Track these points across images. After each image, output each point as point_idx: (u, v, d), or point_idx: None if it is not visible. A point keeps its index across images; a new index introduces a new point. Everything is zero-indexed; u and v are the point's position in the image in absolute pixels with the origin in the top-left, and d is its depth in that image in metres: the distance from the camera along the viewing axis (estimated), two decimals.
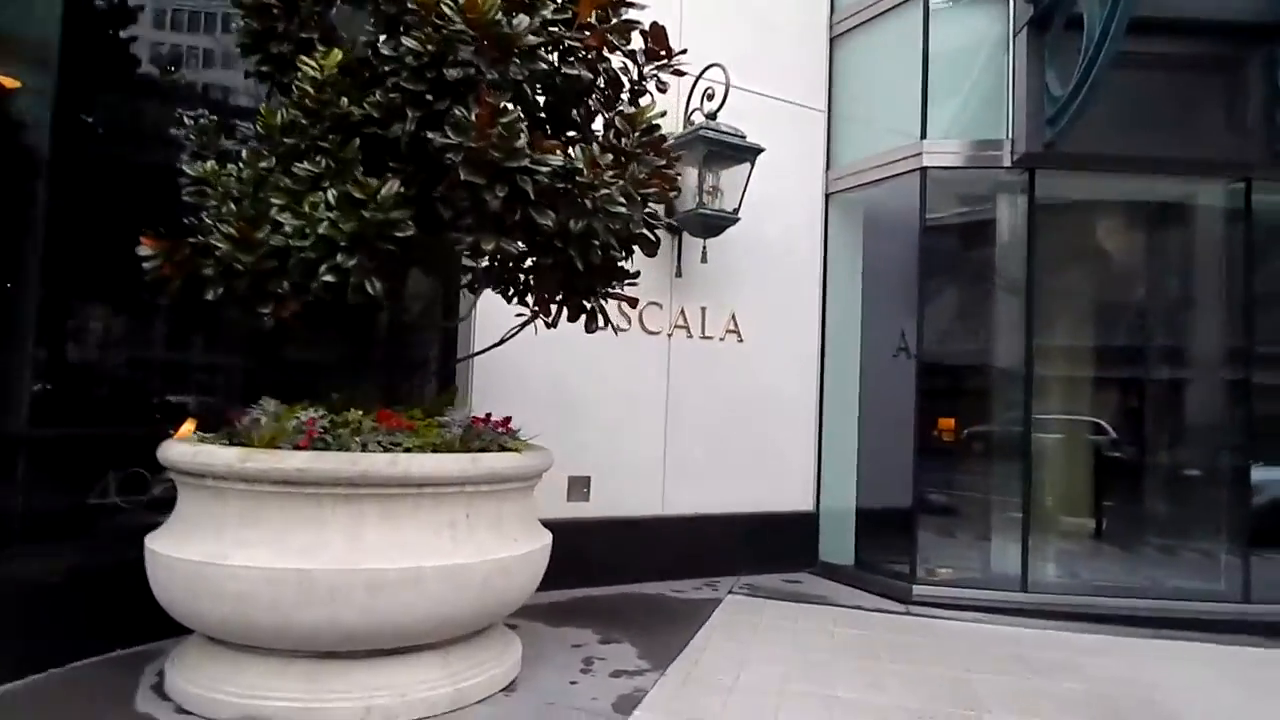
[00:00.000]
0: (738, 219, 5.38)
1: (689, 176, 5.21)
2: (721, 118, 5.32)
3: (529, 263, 3.33)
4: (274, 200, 2.88)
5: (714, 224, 5.29)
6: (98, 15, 4.01)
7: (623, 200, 2.84)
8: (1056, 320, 6.43)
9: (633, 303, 3.72)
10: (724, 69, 5.27)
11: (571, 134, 3.19)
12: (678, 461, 5.60)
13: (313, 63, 2.91)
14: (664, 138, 3.17)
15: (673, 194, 3.59)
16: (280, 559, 2.78)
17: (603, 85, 3.40)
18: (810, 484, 6.21)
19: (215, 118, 3.51)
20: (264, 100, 3.41)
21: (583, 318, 3.63)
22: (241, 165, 3.08)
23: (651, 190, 3.04)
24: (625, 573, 5.28)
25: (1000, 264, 5.79)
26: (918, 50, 5.62)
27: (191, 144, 3.47)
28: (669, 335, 5.61)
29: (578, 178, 2.74)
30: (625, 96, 3.42)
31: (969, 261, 6.31)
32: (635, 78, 3.48)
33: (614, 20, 3.10)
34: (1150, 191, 6.17)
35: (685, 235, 5.60)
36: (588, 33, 3.04)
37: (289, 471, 2.80)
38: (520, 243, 2.77)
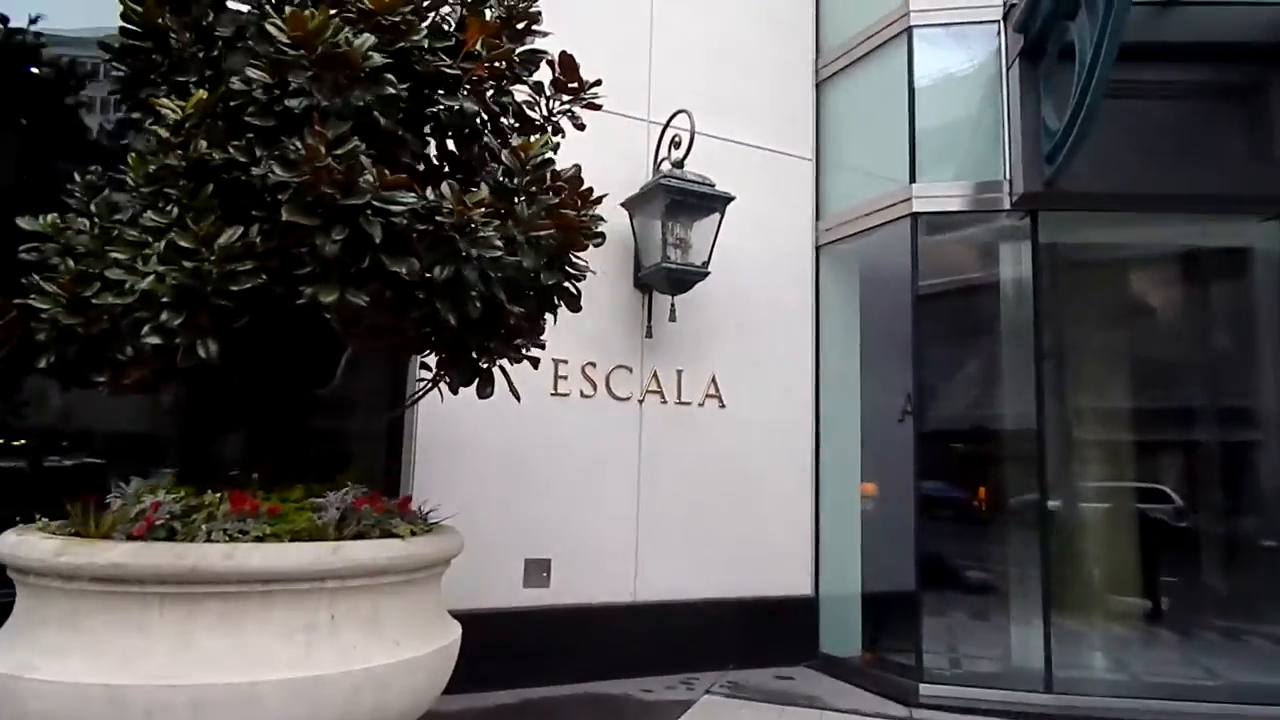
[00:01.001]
0: (707, 273, 4.95)
1: (653, 229, 4.83)
2: (701, 168, 4.96)
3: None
4: (115, 255, 2.55)
5: (681, 279, 4.87)
6: None
7: (499, 243, 2.44)
8: (1078, 378, 5.81)
9: (534, 363, 3.26)
10: (690, 115, 4.93)
11: (460, 176, 2.82)
12: (652, 541, 5.06)
13: (171, 104, 2.61)
14: (558, 174, 2.77)
15: (594, 241, 3.18)
16: (91, 672, 2.34)
17: (508, 122, 3.06)
18: (807, 565, 5.59)
19: (105, 173, 3.24)
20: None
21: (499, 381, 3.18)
22: (95, 219, 2.77)
23: (544, 234, 2.63)
24: (590, 668, 4.71)
25: (1006, 317, 5.23)
26: (904, 89, 5.21)
27: (77, 201, 3.19)
28: (640, 401, 5.14)
29: (439, 217, 2.35)
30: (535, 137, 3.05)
31: (972, 315, 5.76)
32: (546, 113, 3.13)
33: (505, 47, 2.76)
34: (1173, 233, 5.59)
35: (655, 293, 5.18)
36: (471, 63, 2.70)
37: (105, 567, 2.38)
38: (369, 295, 2.37)
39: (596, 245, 3.24)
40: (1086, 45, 4.10)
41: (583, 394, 4.95)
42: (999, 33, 5.08)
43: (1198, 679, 5.30)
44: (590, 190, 3.15)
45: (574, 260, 3.09)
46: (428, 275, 2.41)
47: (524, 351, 3.06)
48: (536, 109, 3.14)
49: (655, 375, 5.20)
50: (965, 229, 5.37)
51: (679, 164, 4.90)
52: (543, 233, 2.62)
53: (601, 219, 3.26)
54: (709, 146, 5.45)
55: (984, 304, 5.38)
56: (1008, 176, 4.91)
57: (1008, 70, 4.98)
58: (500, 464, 4.68)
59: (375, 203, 2.28)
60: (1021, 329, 4.99)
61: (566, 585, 4.76)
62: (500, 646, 4.51)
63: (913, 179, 5.10)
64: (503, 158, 2.62)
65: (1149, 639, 6.55)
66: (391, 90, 2.35)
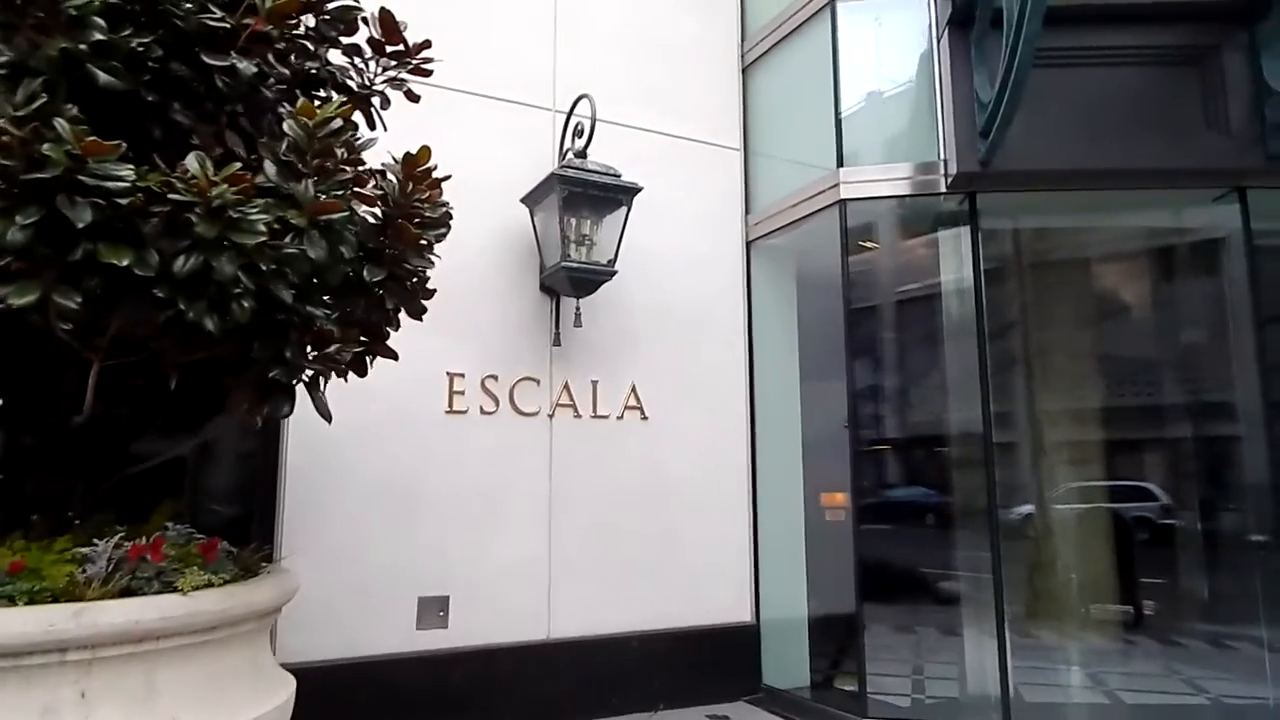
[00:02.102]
0: (613, 272, 4.49)
1: (553, 226, 4.36)
2: (622, 162, 4.53)
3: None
4: None
5: (584, 280, 4.41)
6: None
7: (263, 228, 1.96)
8: (1031, 374, 5.38)
9: (359, 371, 2.79)
10: (591, 100, 4.48)
11: (254, 156, 2.35)
12: (567, 572, 4.56)
13: None
14: (350, 144, 2.31)
15: (436, 233, 2.72)
16: None
17: (326, 94, 2.60)
18: (745, 589, 5.10)
19: None
20: None
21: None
22: None
23: (338, 217, 2.16)
24: (498, 716, 4.20)
25: (949, 312, 4.78)
26: (829, 68, 4.79)
27: None
28: (550, 416, 4.66)
29: (173, 195, 1.88)
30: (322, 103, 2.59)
31: (913, 312, 5.33)
32: (364, 82, 2.67)
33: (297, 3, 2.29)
34: (1129, 216, 5.17)
35: (565, 298, 4.72)
36: (251, 19, 2.23)
37: None
38: (84, 294, 1.88)
39: (438, 238, 2.78)
40: (1013, 6, 3.68)
41: (483, 410, 4.47)
42: (928, 1, 4.66)
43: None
44: (430, 171, 2.70)
45: (408, 256, 2.61)
46: (169, 269, 1.92)
47: (345, 364, 2.54)
48: (361, 75, 2.67)
49: (567, 387, 4.72)
50: (901, 217, 4.94)
51: (581, 153, 4.45)
52: (334, 215, 2.15)
53: (446, 206, 2.81)
54: (628, 138, 5.03)
55: (924, 300, 4.95)
56: (943, 156, 4.49)
57: (938, 41, 4.57)
58: (387, 492, 4.18)
59: (85, 178, 1.80)
60: (965, 324, 4.54)
61: (468, 625, 4.26)
62: (390, 697, 4.01)
63: (840, 163, 4.67)
64: (285, 127, 2.15)
65: (1129, 651, 6.13)
66: (100, 36, 1.88)
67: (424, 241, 2.70)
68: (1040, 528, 7.10)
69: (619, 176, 4.43)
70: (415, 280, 2.75)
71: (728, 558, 5.06)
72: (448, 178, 2.93)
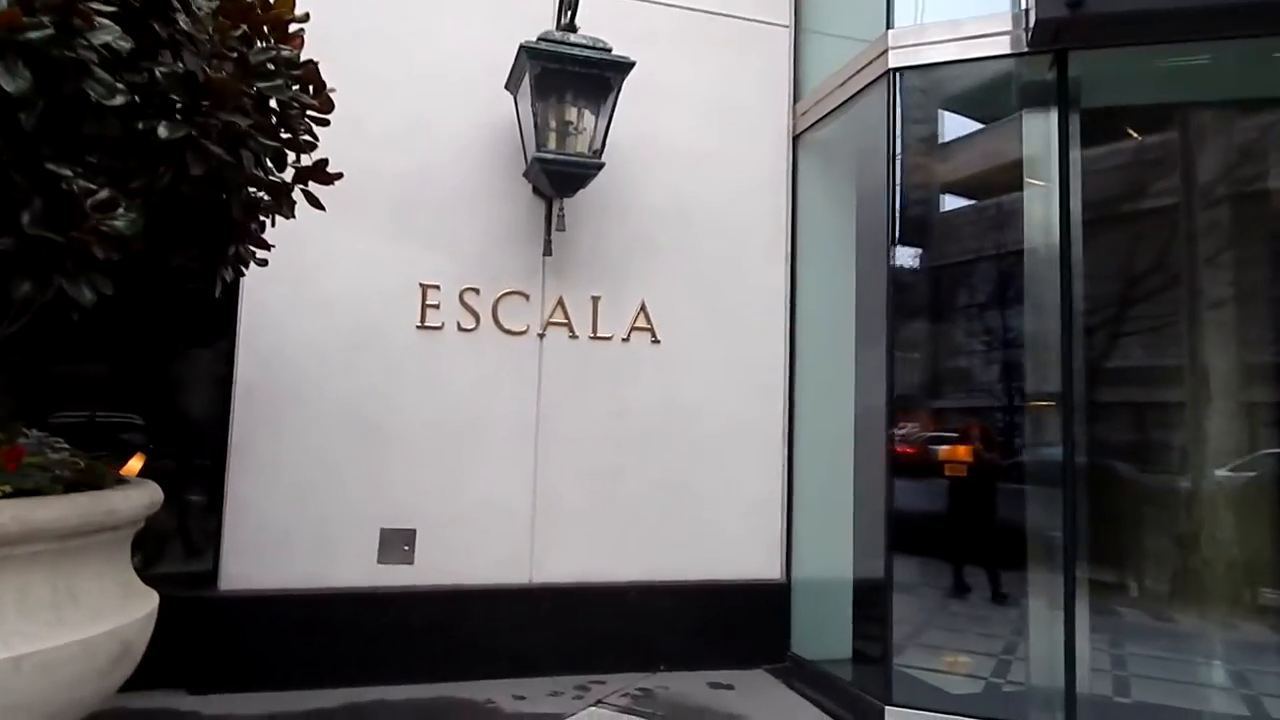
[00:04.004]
0: (598, 164, 3.82)
1: (529, 113, 3.74)
2: (642, 46, 3.89)
3: None
4: None
5: (561, 174, 3.77)
6: None
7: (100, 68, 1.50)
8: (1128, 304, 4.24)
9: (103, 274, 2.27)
10: None
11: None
12: (556, 512, 4.04)
13: None
14: None
15: (271, 83, 2.21)
16: None
17: None
18: (775, 544, 4.39)
19: None
20: None
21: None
22: None
23: (28, 33, 1.66)
24: (458, 666, 3.79)
25: (1032, 219, 3.75)
26: None
27: None
28: (541, 336, 4.10)
29: None
30: None
31: (983, 217, 4.29)
32: None
33: None
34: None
35: (567, 205, 4.11)
36: None
37: None
38: None
39: (274, 88, 2.25)
40: None
41: (461, 327, 3.98)
42: None
43: None
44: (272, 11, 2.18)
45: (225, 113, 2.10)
46: None
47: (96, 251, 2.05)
48: None
49: (561, 303, 4.14)
50: (974, 93, 3.93)
51: (569, 26, 3.78)
52: (33, 35, 1.65)
53: (283, 53, 2.28)
54: (649, 15, 4.31)
55: (998, 200, 3.94)
56: (1024, 5, 3.45)
57: None
58: (351, 416, 3.80)
59: None
60: (1050, 234, 3.52)
61: (437, 563, 3.85)
62: (341, 636, 3.68)
63: (889, 23, 3.72)
64: None
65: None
66: None
67: (248, 93, 2.17)
68: (1197, 497, 5.90)
69: (608, 50, 3.72)
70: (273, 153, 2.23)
71: (754, 506, 4.35)
72: (305, 18, 2.40)
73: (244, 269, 2.79)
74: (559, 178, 3.76)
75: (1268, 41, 3.35)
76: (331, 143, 2.67)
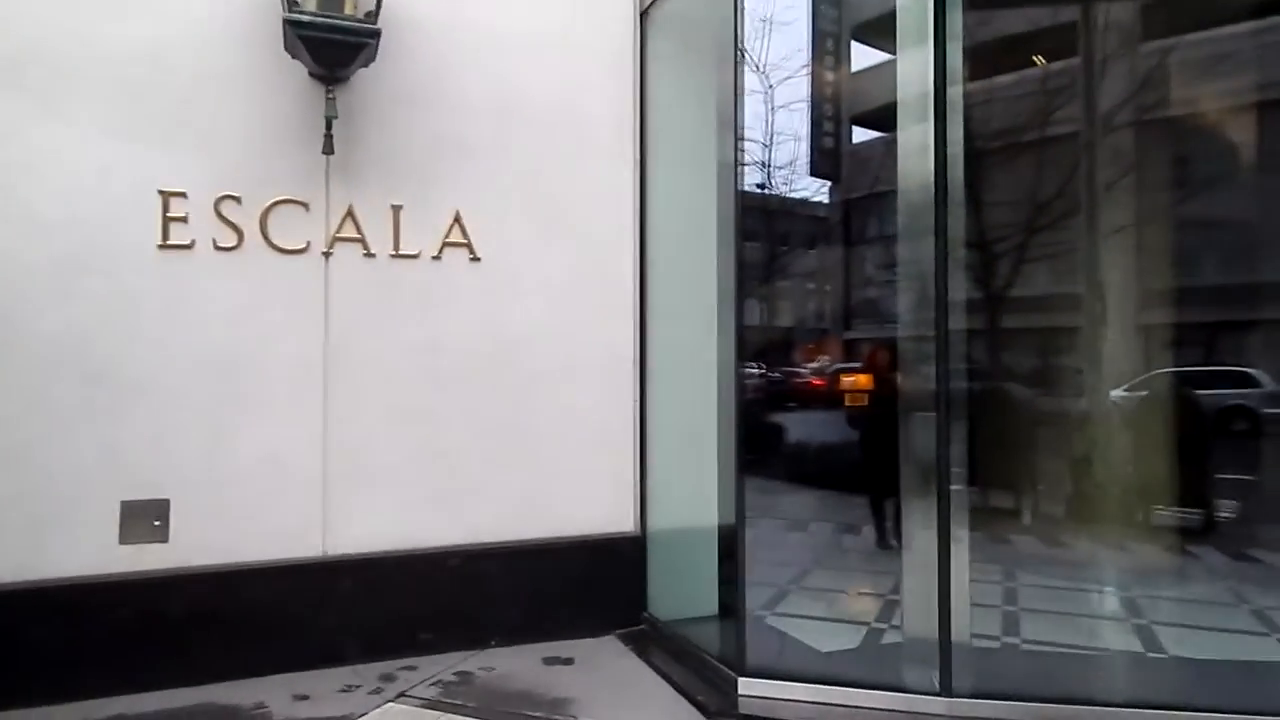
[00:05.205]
0: (371, 31, 3.03)
1: None
2: None
3: None
4: None
5: (323, 41, 2.95)
6: None
7: None
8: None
9: None
10: None
11: None
12: (353, 468, 3.33)
13: None
14: None
15: None
16: None
17: None
18: (627, 490, 3.80)
19: None
20: None
21: None
22: None
23: None
24: (235, 663, 3.08)
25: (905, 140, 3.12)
26: None
27: None
28: (326, 254, 3.33)
29: None
30: None
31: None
32: None
33: None
34: None
35: (355, 92, 3.31)
36: None
37: None
38: None
39: None
40: None
41: (219, 245, 3.17)
42: None
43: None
44: None
45: None
46: None
47: None
48: None
49: (351, 213, 3.36)
50: None
51: None
52: None
53: None
54: None
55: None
56: None
57: None
58: (76, 358, 2.98)
59: None
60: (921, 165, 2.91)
61: (199, 539, 3.11)
62: (72, 637, 2.92)
63: None
64: None
65: (1186, 570, 4.75)
66: None
67: None
68: (1092, 417, 5.64)
69: None
70: None
71: (600, 449, 3.73)
72: None
73: None
74: (320, 47, 2.94)
75: None
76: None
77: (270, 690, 2.97)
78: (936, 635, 2.77)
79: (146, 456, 3.06)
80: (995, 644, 3.50)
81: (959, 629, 2.77)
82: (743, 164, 3.34)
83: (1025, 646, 3.56)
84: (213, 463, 3.14)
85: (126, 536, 3.03)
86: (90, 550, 2.99)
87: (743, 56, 3.37)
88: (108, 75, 3.05)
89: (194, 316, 3.13)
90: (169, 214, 3.11)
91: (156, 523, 3.06)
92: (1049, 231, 7.06)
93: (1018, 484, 5.88)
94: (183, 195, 3.13)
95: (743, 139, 3.28)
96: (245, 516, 3.17)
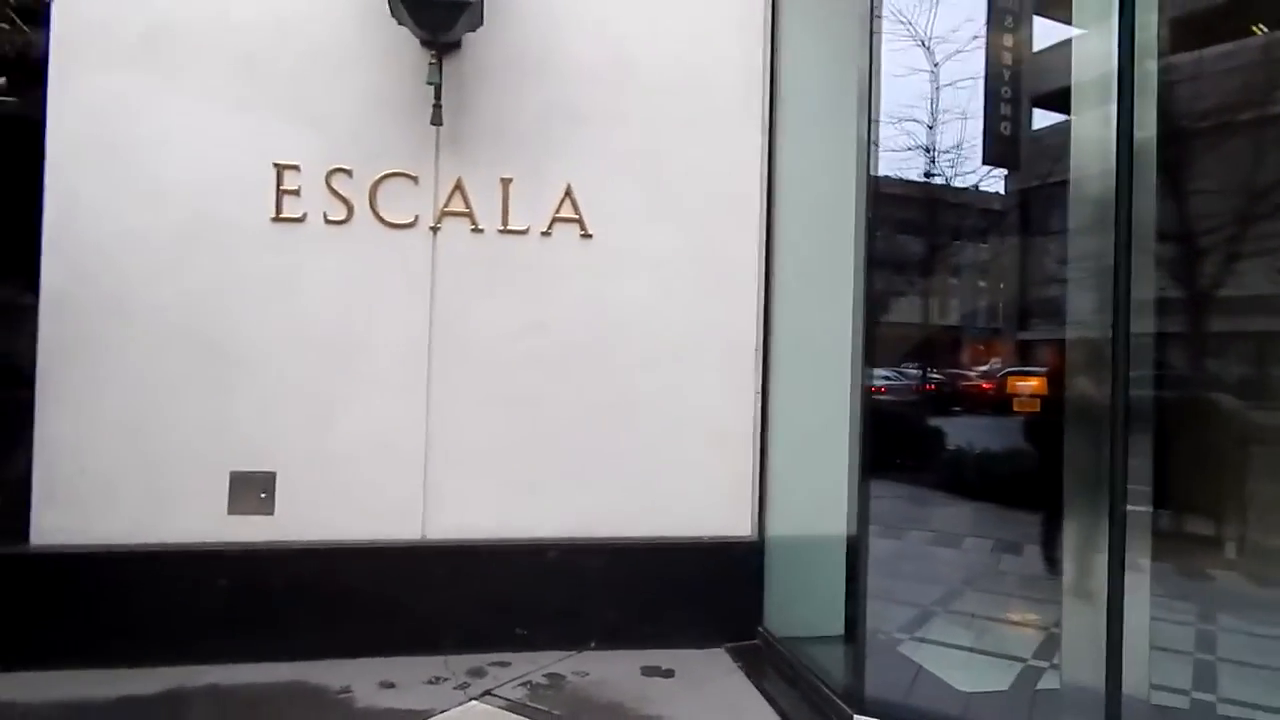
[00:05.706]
0: None
1: None
2: None
3: None
4: None
5: (422, 3, 2.81)
6: None
7: None
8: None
9: None
10: None
11: None
12: (455, 452, 3.21)
13: None
14: None
15: None
16: None
17: None
18: (745, 488, 3.46)
19: None
20: None
21: None
22: None
23: None
24: (328, 643, 3.03)
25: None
26: None
27: None
28: (434, 228, 3.22)
29: None
30: None
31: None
32: None
33: None
34: None
35: (466, 60, 3.19)
36: None
37: None
38: None
39: None
40: None
41: (329, 219, 3.14)
42: None
43: None
44: None
45: None
46: None
47: None
48: None
49: (460, 186, 3.24)
50: None
51: None
52: None
53: None
54: None
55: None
56: None
57: None
58: (190, 332, 3.03)
59: None
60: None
61: (304, 514, 3.09)
62: (179, 603, 2.97)
63: None
64: None
65: None
66: None
67: None
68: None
69: None
70: None
71: (716, 442, 3.42)
72: None
73: None
74: (420, 8, 2.82)
75: None
76: None
77: (359, 673, 2.88)
78: (1103, 684, 2.26)
79: (255, 428, 3.07)
80: (1183, 701, 2.89)
81: (1134, 679, 2.25)
82: (877, 143, 2.92)
83: (1223, 708, 2.91)
84: (317, 437, 3.11)
85: (235, 507, 3.05)
86: (200, 518, 3.03)
87: (880, 24, 2.95)
88: (231, 49, 3.08)
89: (303, 290, 3.11)
90: (282, 187, 3.10)
91: (263, 495, 3.07)
92: (1266, 223, 6.03)
93: (1222, 509, 5.00)
94: (296, 168, 3.11)
95: (876, 120, 2.86)
96: (346, 494, 3.12)
